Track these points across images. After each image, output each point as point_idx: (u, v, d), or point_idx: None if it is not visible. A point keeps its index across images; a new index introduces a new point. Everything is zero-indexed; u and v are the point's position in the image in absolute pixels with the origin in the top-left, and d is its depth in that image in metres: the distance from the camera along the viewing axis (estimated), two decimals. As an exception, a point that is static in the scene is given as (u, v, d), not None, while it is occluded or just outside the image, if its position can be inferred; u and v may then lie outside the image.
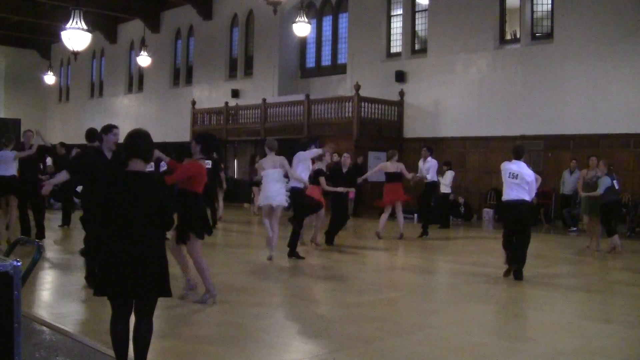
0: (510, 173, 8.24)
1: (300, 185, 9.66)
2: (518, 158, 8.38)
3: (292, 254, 9.75)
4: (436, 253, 11.44)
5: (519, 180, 8.19)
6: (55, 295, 7.09)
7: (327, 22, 23.28)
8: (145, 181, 4.03)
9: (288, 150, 11.51)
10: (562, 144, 16.38)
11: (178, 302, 6.48)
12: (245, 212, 19.38)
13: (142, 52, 22.80)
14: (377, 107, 19.47)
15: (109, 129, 7.01)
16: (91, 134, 7.70)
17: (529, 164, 8.82)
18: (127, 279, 3.89)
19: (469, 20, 18.40)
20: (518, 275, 8.24)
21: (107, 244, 3.98)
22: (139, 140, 4.10)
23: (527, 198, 8.26)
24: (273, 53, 23.62)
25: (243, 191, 21.05)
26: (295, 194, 9.55)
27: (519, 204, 8.19)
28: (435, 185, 14.17)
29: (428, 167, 13.51)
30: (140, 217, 3.93)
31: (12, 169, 10.08)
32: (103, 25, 29.46)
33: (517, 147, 8.57)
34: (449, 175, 15.38)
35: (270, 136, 21.06)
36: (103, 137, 7.00)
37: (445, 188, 15.30)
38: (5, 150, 10.06)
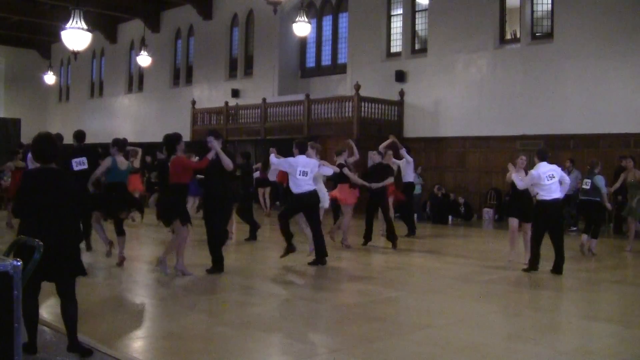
0: (547, 176, 8.63)
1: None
2: (543, 160, 8.81)
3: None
4: (436, 253, 11.41)
5: (557, 179, 8.69)
6: (55, 295, 7.07)
7: (327, 22, 23.27)
8: (57, 176, 4.66)
9: (289, 150, 11.44)
10: (562, 143, 16.37)
11: (177, 303, 6.48)
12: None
13: (142, 52, 22.74)
14: (377, 106, 19.47)
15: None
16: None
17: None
18: (42, 263, 4.14)
19: (469, 20, 18.39)
20: (559, 270, 8.67)
21: (26, 232, 4.37)
22: (44, 145, 4.66)
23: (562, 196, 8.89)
24: (273, 53, 23.62)
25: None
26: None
27: (558, 202, 8.72)
28: (412, 185, 13.79)
29: (399, 165, 13.11)
30: (54, 207, 4.52)
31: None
32: (103, 25, 29.44)
33: (540, 150, 9.09)
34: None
35: (270, 136, 21.10)
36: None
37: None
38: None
